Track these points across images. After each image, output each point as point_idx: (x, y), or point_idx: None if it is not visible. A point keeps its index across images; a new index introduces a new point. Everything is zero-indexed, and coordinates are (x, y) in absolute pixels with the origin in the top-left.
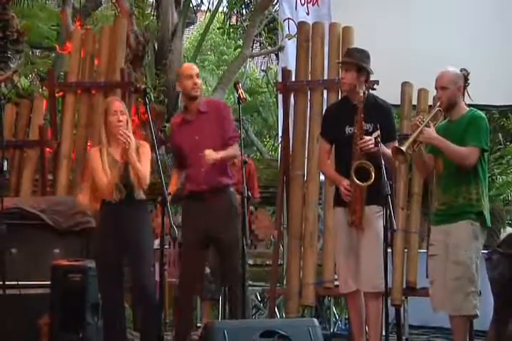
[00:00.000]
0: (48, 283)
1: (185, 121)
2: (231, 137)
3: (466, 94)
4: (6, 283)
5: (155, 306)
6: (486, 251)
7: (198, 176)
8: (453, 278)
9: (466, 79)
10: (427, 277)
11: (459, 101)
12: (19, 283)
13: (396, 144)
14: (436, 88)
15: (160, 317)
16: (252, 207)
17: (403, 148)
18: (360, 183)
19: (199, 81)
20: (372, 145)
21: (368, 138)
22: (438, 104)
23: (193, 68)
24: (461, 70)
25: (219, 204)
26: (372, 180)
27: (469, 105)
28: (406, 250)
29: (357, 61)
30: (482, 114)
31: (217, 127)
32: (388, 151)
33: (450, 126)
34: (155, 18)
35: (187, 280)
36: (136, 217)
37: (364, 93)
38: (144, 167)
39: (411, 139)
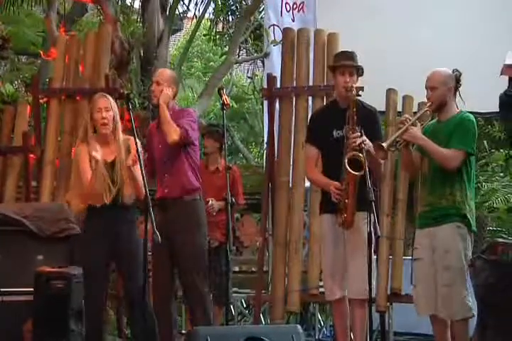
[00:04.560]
0: (31, 289)
1: (156, 129)
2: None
3: (458, 95)
4: None
5: (151, 314)
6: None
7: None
8: (445, 284)
9: (457, 80)
10: (411, 283)
11: (450, 102)
12: (2, 289)
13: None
14: (426, 88)
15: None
16: (237, 214)
17: (384, 145)
18: (355, 172)
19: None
20: (360, 141)
21: (357, 133)
22: (428, 104)
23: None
24: (453, 71)
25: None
26: (364, 170)
27: None
28: (391, 257)
29: (358, 64)
30: (472, 117)
31: None
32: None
33: (438, 126)
34: (140, 24)
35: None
36: (125, 223)
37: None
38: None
39: (393, 137)
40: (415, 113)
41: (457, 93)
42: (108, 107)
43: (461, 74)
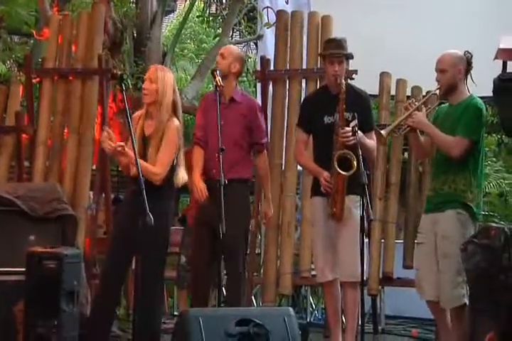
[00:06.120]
0: (23, 269)
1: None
2: (260, 143)
3: (469, 78)
4: None
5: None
6: None
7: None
8: (441, 270)
9: (469, 62)
10: (403, 267)
11: (460, 85)
12: None
13: (373, 133)
14: (436, 70)
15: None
16: None
17: (383, 132)
18: (344, 173)
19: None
20: (352, 138)
21: (347, 129)
22: (436, 87)
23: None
24: (464, 53)
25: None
26: (354, 169)
27: None
28: (383, 240)
29: (347, 52)
30: (479, 102)
31: (245, 124)
32: (368, 141)
33: (450, 110)
34: (134, 5)
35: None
36: (152, 200)
37: (345, 83)
38: (162, 156)
39: (396, 123)
40: (408, 97)
41: (468, 75)
42: (153, 78)
43: (472, 56)
